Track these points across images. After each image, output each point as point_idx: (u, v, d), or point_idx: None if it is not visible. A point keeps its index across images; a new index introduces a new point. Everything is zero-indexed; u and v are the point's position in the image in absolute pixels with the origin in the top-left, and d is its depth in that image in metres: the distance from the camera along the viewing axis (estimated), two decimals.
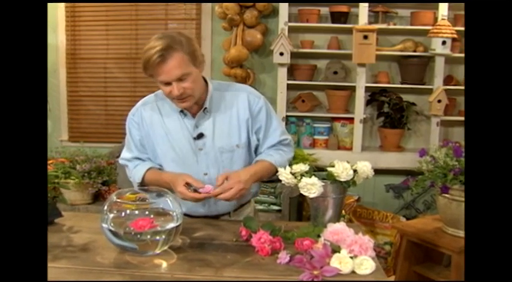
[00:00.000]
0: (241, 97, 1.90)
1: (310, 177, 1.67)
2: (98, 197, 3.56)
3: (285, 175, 1.73)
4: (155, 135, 1.90)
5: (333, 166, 1.71)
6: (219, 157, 1.87)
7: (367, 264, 1.42)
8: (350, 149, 3.66)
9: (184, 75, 1.72)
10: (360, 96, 3.56)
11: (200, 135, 1.86)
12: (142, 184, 1.90)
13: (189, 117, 1.87)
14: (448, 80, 3.59)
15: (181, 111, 1.87)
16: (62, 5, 3.94)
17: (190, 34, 3.82)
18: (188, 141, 1.87)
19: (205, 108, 1.85)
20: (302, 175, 1.71)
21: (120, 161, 2.01)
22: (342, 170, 1.67)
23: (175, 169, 1.87)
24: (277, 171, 1.79)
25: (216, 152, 1.86)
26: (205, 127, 1.87)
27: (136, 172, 1.92)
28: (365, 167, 1.73)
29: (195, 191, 1.74)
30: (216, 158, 1.87)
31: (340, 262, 1.41)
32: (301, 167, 1.73)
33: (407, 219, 3.58)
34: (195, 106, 1.85)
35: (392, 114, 3.59)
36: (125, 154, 1.99)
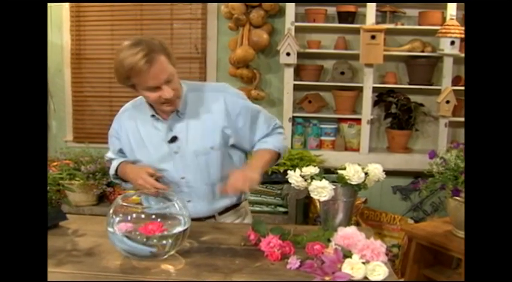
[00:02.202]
0: (217, 99, 1.85)
1: (320, 180, 1.64)
2: (102, 198, 3.55)
3: (294, 178, 1.69)
4: (133, 141, 1.90)
5: (344, 169, 1.67)
6: (194, 160, 1.83)
7: (380, 270, 1.38)
8: (357, 150, 3.61)
9: (170, 76, 1.71)
10: (367, 97, 3.52)
11: (174, 139, 1.84)
12: (117, 177, 1.96)
13: (161, 120, 1.85)
14: (457, 80, 3.54)
15: (153, 115, 1.85)
16: (67, 5, 3.92)
17: (196, 34, 3.87)
18: (162, 145, 1.85)
19: (178, 111, 1.82)
20: (312, 178, 1.68)
21: (105, 157, 2.06)
22: (353, 172, 1.64)
23: None
24: (278, 155, 1.92)
25: (191, 155, 1.83)
26: (179, 130, 1.84)
27: (112, 167, 1.96)
28: (376, 170, 1.70)
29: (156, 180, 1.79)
30: (192, 161, 1.83)
31: (352, 268, 1.37)
32: (311, 170, 1.70)
33: (415, 221, 3.56)
34: None
35: (400, 115, 3.55)
36: (108, 153, 2.04)
